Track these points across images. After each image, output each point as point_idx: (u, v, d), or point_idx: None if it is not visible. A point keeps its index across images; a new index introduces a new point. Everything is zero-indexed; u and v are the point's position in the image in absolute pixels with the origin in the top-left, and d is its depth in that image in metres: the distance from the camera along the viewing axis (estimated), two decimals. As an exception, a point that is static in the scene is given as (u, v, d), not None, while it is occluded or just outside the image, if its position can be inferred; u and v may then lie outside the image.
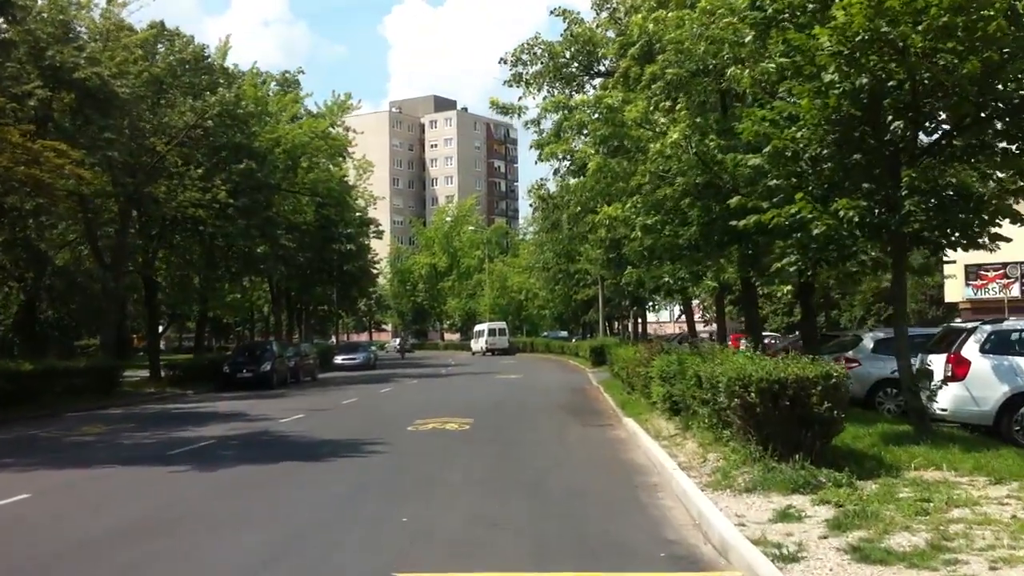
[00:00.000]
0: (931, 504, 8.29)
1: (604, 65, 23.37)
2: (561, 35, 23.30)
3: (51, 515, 9.67)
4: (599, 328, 59.10)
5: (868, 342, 18.45)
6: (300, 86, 50.32)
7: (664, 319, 78.63)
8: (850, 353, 18.13)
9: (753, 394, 9.84)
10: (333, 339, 70.54)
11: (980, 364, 13.41)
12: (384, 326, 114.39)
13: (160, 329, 53.71)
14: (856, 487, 9.07)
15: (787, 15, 11.53)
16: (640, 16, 16.97)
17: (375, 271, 65.88)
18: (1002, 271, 43.10)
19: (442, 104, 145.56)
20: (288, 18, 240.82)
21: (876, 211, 11.37)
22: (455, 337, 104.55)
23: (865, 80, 10.46)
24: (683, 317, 47.22)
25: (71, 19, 30.00)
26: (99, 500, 10.68)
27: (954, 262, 39.85)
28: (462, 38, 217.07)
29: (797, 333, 48.71)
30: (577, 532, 8.33)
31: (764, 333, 34.69)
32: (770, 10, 11.81)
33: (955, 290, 45.51)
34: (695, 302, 46.96)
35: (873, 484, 9.29)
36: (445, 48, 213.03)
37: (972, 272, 43.50)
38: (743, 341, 39.80)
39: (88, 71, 27.87)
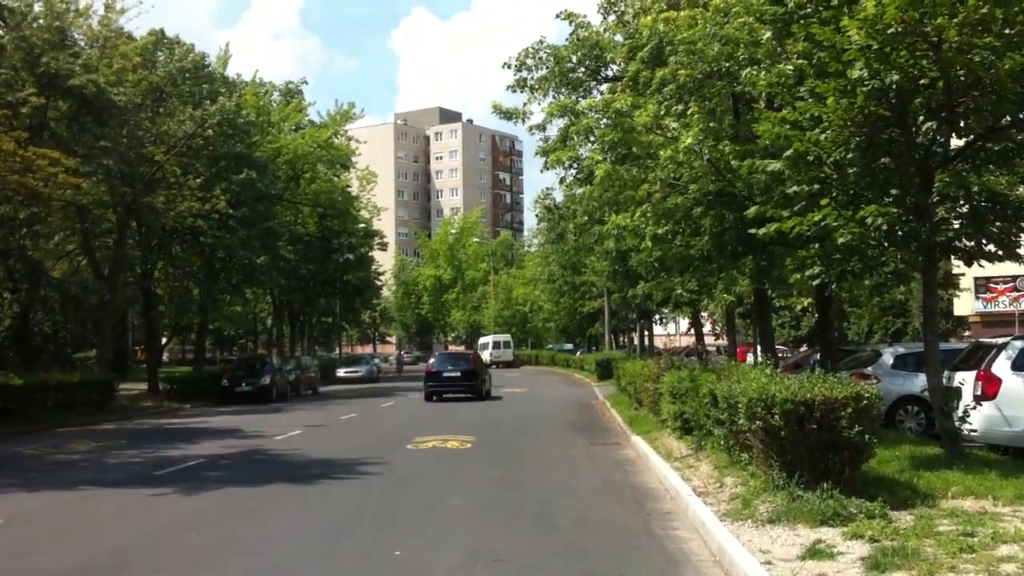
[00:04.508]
0: (975, 539, 7.51)
1: (612, 70, 22.67)
2: (567, 39, 22.65)
3: (11, 549, 8.90)
4: (605, 341, 58.36)
5: (888, 358, 17.73)
6: (303, 96, 49.86)
7: (672, 332, 77.88)
8: (868, 369, 17.41)
9: (777, 417, 9.07)
10: (337, 351, 69.80)
11: (1012, 382, 12.62)
12: (389, 338, 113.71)
13: (163, 341, 53.18)
14: (890, 519, 8.31)
15: (809, 9, 10.80)
16: (650, 18, 16.27)
17: (379, 283, 65.19)
18: (1012, 284, 42.50)
19: (447, 116, 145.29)
20: (300, 32, 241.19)
21: (905, 219, 10.61)
22: (460, 350, 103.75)
23: (896, 77, 9.73)
24: (692, 330, 46.58)
25: (67, 26, 29.46)
26: (68, 530, 9.93)
27: (963, 274, 39.35)
28: (470, 51, 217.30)
29: (806, 347, 48.26)
30: (587, 570, 7.58)
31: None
32: (791, 4, 11.09)
33: (965, 303, 44.83)
34: (704, 315, 46.36)
35: (908, 515, 8.53)
36: (453, 61, 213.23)
37: (981, 285, 42.89)
38: (749, 355, 39.49)
39: (84, 78, 27.35)
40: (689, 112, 15.11)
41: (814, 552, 7.33)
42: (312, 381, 40.72)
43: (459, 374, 31.43)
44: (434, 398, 31.08)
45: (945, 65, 9.74)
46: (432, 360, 33.83)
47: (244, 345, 77.86)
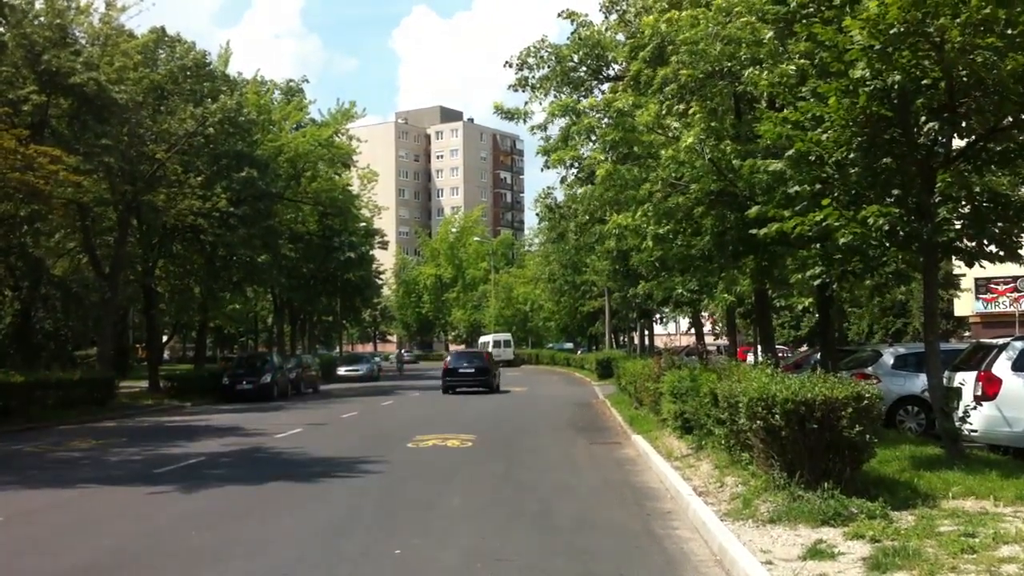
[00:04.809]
0: (977, 540, 7.51)
1: (613, 69, 22.64)
2: (568, 38, 22.62)
3: (11, 549, 8.89)
4: (606, 340, 58.34)
5: (888, 358, 17.75)
6: (304, 95, 49.84)
7: (672, 331, 77.85)
8: (869, 369, 17.42)
9: (778, 416, 9.06)
10: (337, 350, 69.78)
11: (1012, 382, 12.62)
12: (389, 337, 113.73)
13: (164, 339, 53.19)
14: (891, 519, 8.31)
15: (812, 9, 10.80)
16: (652, 17, 16.25)
17: (379, 282, 65.22)
18: (1012, 284, 42.45)
19: (448, 115, 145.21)
20: (300, 31, 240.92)
21: (907, 219, 10.61)
22: (460, 348, 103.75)
23: (898, 78, 9.72)
24: (692, 330, 46.57)
25: (69, 24, 29.44)
26: (68, 529, 9.92)
27: (964, 275, 39.33)
28: (472, 50, 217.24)
29: (806, 347, 48.23)
30: (587, 570, 7.57)
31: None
32: (793, 4, 11.09)
33: (965, 304, 44.81)
34: (704, 314, 46.35)
35: (909, 515, 8.52)
36: (454, 60, 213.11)
37: (982, 285, 42.86)
38: (750, 355, 39.46)
39: (85, 76, 27.33)
40: (691, 112, 15.08)
41: (815, 552, 7.33)
42: (313, 379, 40.71)
43: (473, 370, 35.23)
44: (451, 391, 34.31)
45: (947, 65, 9.73)
46: (449, 358, 38.06)
47: (245, 343, 77.84)
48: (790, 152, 11.09)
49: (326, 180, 48.41)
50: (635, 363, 25.72)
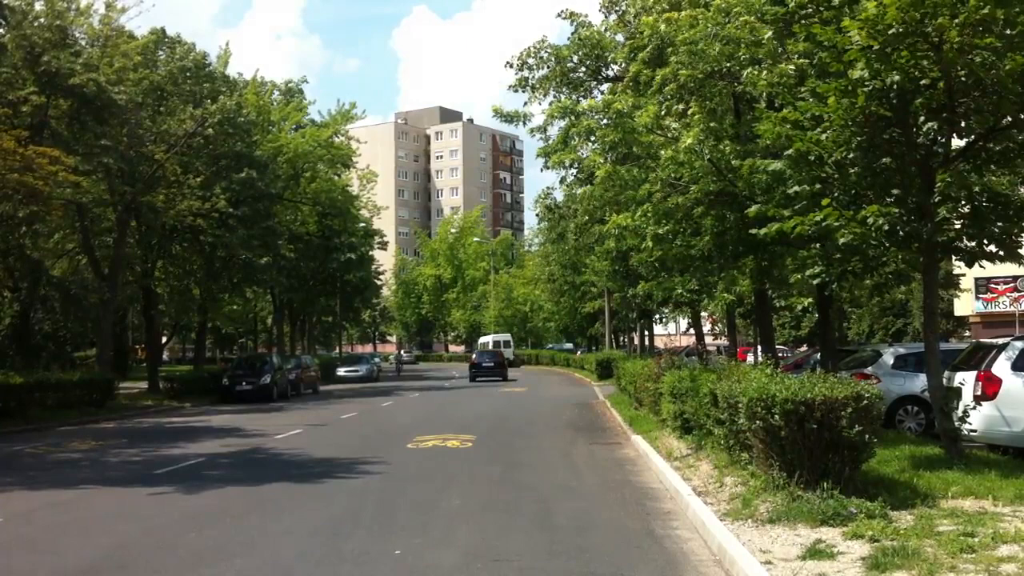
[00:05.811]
0: (976, 540, 7.51)
1: (613, 70, 22.68)
2: (568, 39, 22.66)
3: (10, 549, 8.89)
4: (605, 341, 58.34)
5: (888, 358, 17.74)
6: (303, 95, 49.88)
7: (672, 332, 77.81)
8: (869, 369, 17.41)
9: (777, 416, 9.06)
10: (337, 350, 69.77)
11: (1012, 382, 12.61)
12: (389, 337, 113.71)
13: (163, 340, 53.20)
14: (890, 519, 8.30)
15: (811, 9, 10.81)
16: (652, 17, 16.27)
17: (379, 282, 65.23)
18: (1012, 284, 42.43)
19: (448, 115, 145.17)
20: (301, 31, 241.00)
21: (907, 219, 10.61)
22: (459, 349, 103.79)
23: (897, 78, 9.73)
24: (692, 330, 46.59)
25: (68, 25, 29.44)
26: (67, 529, 9.92)
27: (964, 275, 39.35)
28: (471, 50, 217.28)
29: (806, 347, 48.24)
30: (587, 570, 7.56)
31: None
32: (792, 4, 11.10)
33: (965, 303, 44.82)
34: (704, 315, 46.37)
35: (908, 515, 8.52)
36: (454, 60, 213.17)
37: (982, 285, 42.84)
38: (750, 355, 39.46)
39: (84, 77, 27.34)
40: (690, 112, 15.10)
41: (814, 552, 7.33)
42: (312, 380, 40.70)
43: (492, 364, 50.03)
44: (475, 380, 47.50)
45: (946, 65, 9.74)
46: (474, 355, 54.50)
47: (244, 344, 77.82)
48: (789, 152, 11.09)
49: (325, 181, 48.45)
50: (635, 363, 25.70)
